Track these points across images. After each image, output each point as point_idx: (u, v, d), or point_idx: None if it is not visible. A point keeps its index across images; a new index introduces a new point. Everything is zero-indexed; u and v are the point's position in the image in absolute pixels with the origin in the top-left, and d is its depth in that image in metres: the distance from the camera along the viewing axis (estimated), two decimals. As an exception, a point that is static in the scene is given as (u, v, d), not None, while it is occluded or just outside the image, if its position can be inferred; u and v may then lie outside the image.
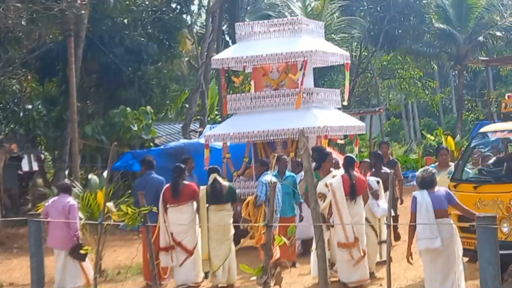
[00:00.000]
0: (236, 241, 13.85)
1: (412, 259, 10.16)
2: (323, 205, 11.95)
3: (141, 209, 5.14)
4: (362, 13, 38.27)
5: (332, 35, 31.99)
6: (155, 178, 13.80)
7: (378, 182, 13.74)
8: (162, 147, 21.73)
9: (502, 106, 14.31)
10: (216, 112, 35.69)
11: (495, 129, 12.85)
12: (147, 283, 13.72)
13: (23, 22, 21.71)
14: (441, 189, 10.26)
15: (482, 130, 12.93)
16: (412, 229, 10.00)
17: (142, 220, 5.10)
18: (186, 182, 13.19)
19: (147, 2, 29.38)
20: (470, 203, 11.09)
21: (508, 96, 14.60)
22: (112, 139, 25.23)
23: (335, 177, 12.29)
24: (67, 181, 14.63)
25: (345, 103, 18.70)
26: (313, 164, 12.38)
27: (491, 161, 13.08)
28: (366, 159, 15.46)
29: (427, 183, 10.11)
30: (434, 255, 10.01)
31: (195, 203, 13.10)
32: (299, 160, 15.09)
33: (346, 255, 11.99)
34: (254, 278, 5.10)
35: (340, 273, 12.24)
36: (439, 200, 10.03)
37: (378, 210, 13.34)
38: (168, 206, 12.98)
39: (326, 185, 12.18)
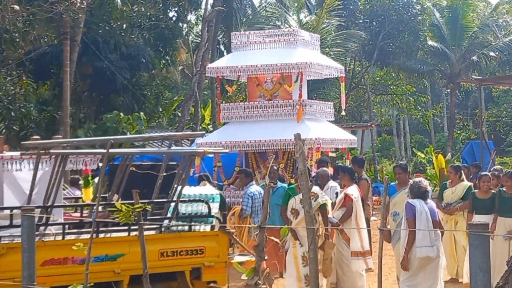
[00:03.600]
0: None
1: (407, 267, 10.21)
2: (295, 222, 11.55)
3: (136, 206, 5.18)
4: (358, 27, 38.41)
5: (327, 49, 32.08)
6: None
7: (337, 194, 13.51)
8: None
9: None
10: (207, 122, 35.72)
11: None
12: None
13: (19, 24, 21.71)
14: (431, 201, 10.40)
15: None
16: (412, 236, 10.08)
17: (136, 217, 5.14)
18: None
19: (143, 9, 29.45)
20: None
21: None
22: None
23: (353, 189, 12.27)
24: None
25: (343, 113, 18.92)
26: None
27: None
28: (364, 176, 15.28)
29: (425, 193, 10.28)
30: (428, 262, 10.16)
31: None
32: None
33: (362, 264, 12.05)
34: (244, 277, 5.13)
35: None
36: (434, 211, 10.27)
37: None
38: None
39: (300, 201, 11.89)
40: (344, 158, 19.98)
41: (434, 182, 31.93)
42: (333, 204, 12.40)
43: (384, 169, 41.01)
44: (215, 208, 11.01)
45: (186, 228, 10.20)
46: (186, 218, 10.28)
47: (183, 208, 10.32)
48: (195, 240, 10.13)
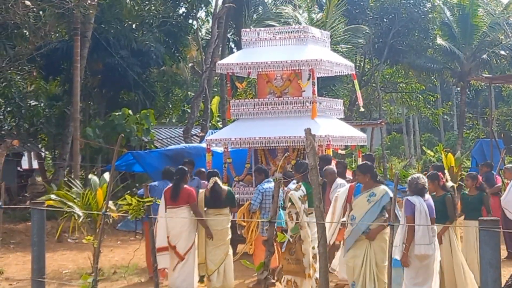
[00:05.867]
0: (233, 246, 13.78)
1: (408, 264, 10.21)
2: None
3: (145, 200, 5.19)
4: (368, 24, 38.38)
5: (337, 46, 32.06)
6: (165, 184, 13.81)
7: None
8: (162, 149, 21.68)
9: None
10: (217, 118, 35.76)
11: None
12: (151, 276, 13.56)
13: (30, 19, 21.77)
14: (429, 198, 10.39)
15: None
16: (411, 233, 10.07)
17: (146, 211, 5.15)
18: (186, 185, 13.03)
19: (153, 7, 29.52)
20: None
21: None
22: (111, 141, 25.30)
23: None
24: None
25: (362, 109, 18.93)
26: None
27: None
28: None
29: (423, 190, 10.27)
30: (425, 259, 10.20)
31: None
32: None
33: None
34: (255, 274, 5.14)
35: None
36: (432, 209, 10.29)
37: None
38: (166, 208, 12.88)
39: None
40: (354, 155, 19.94)
41: (444, 180, 31.76)
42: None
43: (394, 167, 40.96)
44: None
45: None
46: None
47: None
48: None
